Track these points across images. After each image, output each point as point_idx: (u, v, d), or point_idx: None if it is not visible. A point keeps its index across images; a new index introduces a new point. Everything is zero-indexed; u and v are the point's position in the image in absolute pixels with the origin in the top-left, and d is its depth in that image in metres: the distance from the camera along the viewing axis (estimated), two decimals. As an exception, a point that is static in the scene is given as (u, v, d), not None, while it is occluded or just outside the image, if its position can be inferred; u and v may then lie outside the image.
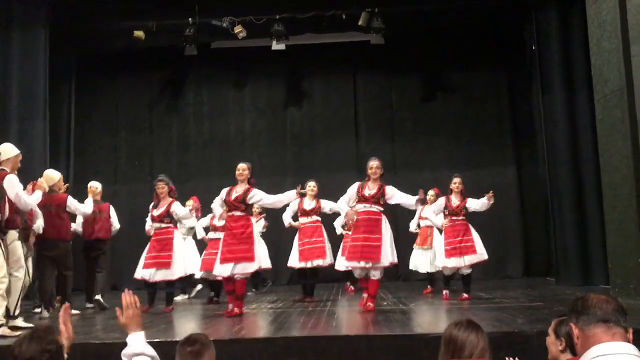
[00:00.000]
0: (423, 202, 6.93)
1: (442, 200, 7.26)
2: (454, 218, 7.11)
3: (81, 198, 7.50)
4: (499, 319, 5.12)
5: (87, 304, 7.60)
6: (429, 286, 8.25)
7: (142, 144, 11.40)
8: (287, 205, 7.36)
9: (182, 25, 9.75)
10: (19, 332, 5.34)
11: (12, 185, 5.47)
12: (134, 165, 11.28)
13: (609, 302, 1.93)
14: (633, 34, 6.02)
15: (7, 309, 5.36)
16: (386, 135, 11.11)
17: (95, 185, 7.93)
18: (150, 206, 7.15)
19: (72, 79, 10.58)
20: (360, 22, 9.54)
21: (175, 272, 6.89)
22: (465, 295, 7.03)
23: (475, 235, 7.14)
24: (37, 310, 6.98)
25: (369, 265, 6.02)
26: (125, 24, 9.80)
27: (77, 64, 10.71)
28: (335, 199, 7.75)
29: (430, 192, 8.22)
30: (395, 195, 6.22)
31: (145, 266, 6.87)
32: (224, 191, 6.31)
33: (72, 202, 6.99)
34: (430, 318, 5.99)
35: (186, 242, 8.07)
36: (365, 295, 6.22)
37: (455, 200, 7.13)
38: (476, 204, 7.13)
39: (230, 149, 11.06)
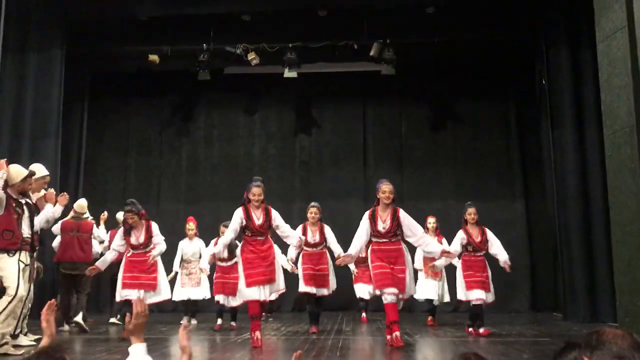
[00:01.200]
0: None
1: (461, 235, 6.83)
2: (477, 254, 6.81)
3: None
4: (505, 354, 5.07)
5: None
6: (430, 317, 8.12)
7: (151, 165, 11.49)
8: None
9: (196, 51, 9.92)
10: (22, 351, 5.34)
11: None
12: (142, 187, 11.35)
13: (625, 338, 1.89)
14: (644, 72, 6.05)
15: None
16: (394, 164, 11.14)
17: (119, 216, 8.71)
18: (121, 233, 6.82)
19: (85, 100, 10.72)
20: (371, 53, 9.66)
21: (163, 294, 6.84)
22: (484, 329, 6.66)
23: (489, 272, 6.91)
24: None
25: (400, 296, 5.77)
26: (140, 48, 9.98)
27: (91, 85, 10.85)
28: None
29: (431, 220, 8.12)
30: (413, 230, 5.88)
31: (127, 286, 6.59)
32: (239, 216, 5.98)
33: (95, 230, 8.05)
34: (436, 350, 5.93)
35: None
36: (397, 333, 5.69)
37: (476, 234, 6.82)
38: (498, 249, 6.82)
39: (239, 173, 11.12)
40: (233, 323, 7.71)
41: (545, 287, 10.38)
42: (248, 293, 5.85)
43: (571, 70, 8.81)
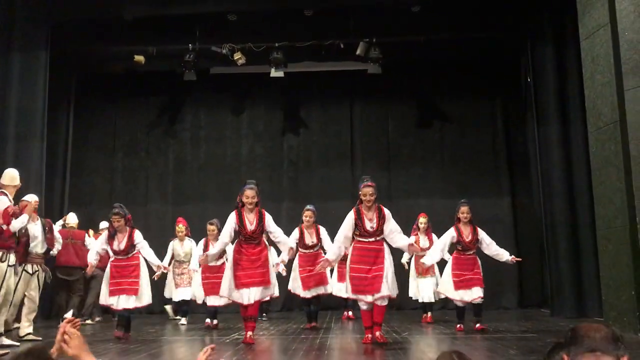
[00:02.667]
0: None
1: (452, 232, 6.79)
2: (468, 253, 6.81)
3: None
4: (492, 350, 5.10)
5: None
6: (429, 314, 8.06)
7: (138, 166, 11.43)
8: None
9: (182, 51, 9.88)
10: (6, 351, 5.31)
11: None
12: (129, 188, 11.29)
13: (598, 331, 1.92)
14: (626, 68, 6.12)
15: None
16: (382, 162, 11.17)
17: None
18: (105, 237, 6.74)
19: (70, 101, 10.65)
20: (358, 52, 9.67)
21: (144, 299, 6.71)
22: (479, 325, 6.71)
23: (480, 268, 6.89)
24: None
25: (375, 297, 5.60)
26: (126, 49, 9.93)
27: (77, 86, 10.79)
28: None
29: (422, 220, 8.11)
30: (390, 226, 5.75)
31: (112, 293, 6.51)
32: (232, 221, 5.94)
33: (87, 239, 8.70)
34: (423, 348, 5.95)
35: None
36: (369, 335, 5.73)
37: (467, 234, 6.77)
38: (497, 249, 6.78)
39: (226, 173, 11.10)
40: (215, 321, 7.69)
41: (532, 284, 10.46)
42: (234, 295, 5.89)
43: (556, 68, 8.88)
